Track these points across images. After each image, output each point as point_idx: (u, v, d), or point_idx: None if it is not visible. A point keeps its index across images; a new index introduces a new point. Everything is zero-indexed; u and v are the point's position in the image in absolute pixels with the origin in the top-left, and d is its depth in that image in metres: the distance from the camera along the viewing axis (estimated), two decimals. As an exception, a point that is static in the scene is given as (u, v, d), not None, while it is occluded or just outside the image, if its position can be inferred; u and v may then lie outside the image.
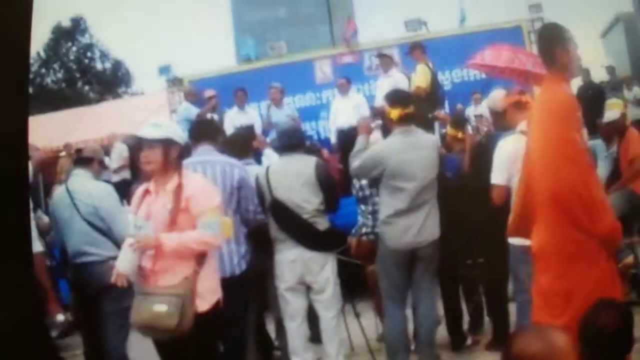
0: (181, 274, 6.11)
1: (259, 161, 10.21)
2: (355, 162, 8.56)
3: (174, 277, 6.11)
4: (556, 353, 3.43)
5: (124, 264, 6.35)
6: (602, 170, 10.62)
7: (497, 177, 8.11)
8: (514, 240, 8.00)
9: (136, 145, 6.61)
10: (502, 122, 9.08)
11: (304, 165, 8.50)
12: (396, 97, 8.86)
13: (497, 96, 9.40)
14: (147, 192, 6.41)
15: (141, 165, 6.46)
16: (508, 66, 14.11)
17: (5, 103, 3.49)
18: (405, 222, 8.28)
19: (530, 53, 16.85)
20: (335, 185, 8.85)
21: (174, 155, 6.29)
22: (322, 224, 8.44)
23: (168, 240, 6.08)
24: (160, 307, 5.98)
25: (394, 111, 8.50)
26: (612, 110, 10.18)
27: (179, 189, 6.20)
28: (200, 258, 6.25)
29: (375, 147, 8.72)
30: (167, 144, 6.24)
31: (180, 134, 6.44)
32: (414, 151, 8.33)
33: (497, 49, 14.77)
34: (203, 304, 6.17)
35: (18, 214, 3.73)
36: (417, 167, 8.29)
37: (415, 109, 8.80)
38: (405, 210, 8.28)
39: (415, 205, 8.28)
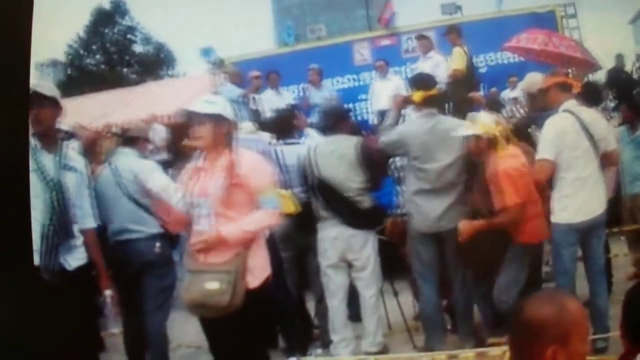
0: (232, 251, 6.02)
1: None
2: (383, 137, 8.63)
3: (225, 254, 6.01)
4: (568, 319, 3.29)
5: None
6: (627, 155, 10.50)
7: (545, 152, 7.97)
8: (559, 219, 8.00)
9: (184, 123, 6.57)
10: (537, 104, 9.05)
11: (347, 145, 8.51)
12: (419, 81, 8.96)
13: (533, 79, 9.34)
14: (200, 169, 6.35)
15: (191, 140, 6.41)
16: (544, 49, 14.07)
17: (5, 102, 3.46)
18: (428, 205, 8.30)
19: (563, 36, 16.79)
20: (377, 165, 8.76)
21: (223, 132, 6.20)
22: (366, 202, 8.50)
23: (230, 234, 6.00)
24: (212, 285, 5.90)
25: (417, 94, 8.54)
26: None
27: (231, 165, 6.11)
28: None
29: (398, 128, 8.72)
30: (217, 120, 6.17)
31: (230, 111, 6.38)
32: (435, 134, 8.28)
33: (533, 33, 14.70)
34: (254, 281, 6.07)
35: (18, 212, 3.69)
36: (438, 149, 8.25)
37: (445, 92, 8.79)
38: (428, 190, 8.29)
39: (438, 187, 8.27)
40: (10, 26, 3.44)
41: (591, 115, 8.29)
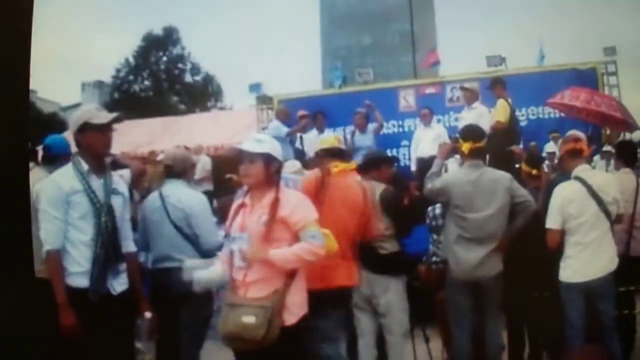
0: (272, 287, 6.06)
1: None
2: (428, 185, 8.67)
3: (264, 290, 6.06)
4: None
5: (208, 275, 6.51)
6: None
7: (551, 221, 8.25)
8: (561, 277, 8.24)
9: (231, 158, 6.66)
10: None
11: (371, 192, 8.38)
12: (469, 132, 9.00)
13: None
14: (242, 205, 6.43)
15: (240, 178, 6.49)
16: (585, 107, 14.07)
17: (5, 106, 3.52)
18: (466, 253, 8.34)
19: (605, 95, 16.76)
20: (403, 213, 8.79)
21: (272, 171, 6.28)
22: (388, 248, 8.46)
23: (276, 255, 6.05)
24: (249, 319, 5.93)
25: (466, 144, 8.62)
26: None
27: (275, 202, 6.18)
28: (292, 271, 6.21)
29: (444, 175, 8.89)
30: (267, 159, 6.25)
31: (279, 151, 6.48)
32: (479, 185, 8.35)
33: (576, 90, 14.70)
34: (290, 318, 6.10)
35: (18, 217, 3.77)
36: (480, 200, 8.32)
37: (489, 142, 8.84)
38: (467, 239, 8.34)
39: (477, 237, 8.32)
40: (10, 27, 3.50)
41: (602, 180, 8.48)
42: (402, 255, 8.77)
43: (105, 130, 6.84)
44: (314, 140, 16.58)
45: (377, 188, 8.59)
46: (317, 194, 7.30)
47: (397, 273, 8.62)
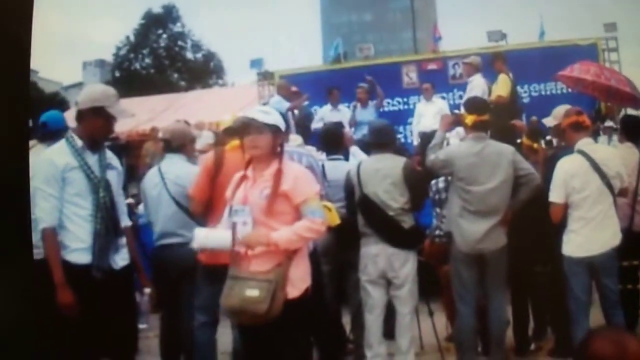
0: (274, 260, 5.97)
1: (346, 158, 10.11)
2: (430, 157, 8.57)
3: (267, 263, 5.97)
4: (628, 359, 3.34)
5: (216, 240, 6.36)
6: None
7: (554, 195, 8.16)
8: (563, 251, 8.14)
9: (236, 131, 6.57)
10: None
11: (393, 165, 8.48)
12: (473, 104, 8.95)
13: (558, 112, 9.25)
14: (244, 177, 6.35)
15: (246, 149, 6.39)
16: (595, 80, 13.92)
17: (5, 103, 3.47)
18: (470, 226, 8.28)
19: (613, 70, 16.64)
20: (421, 186, 8.79)
21: (278, 143, 6.21)
22: (407, 222, 8.43)
23: (279, 237, 5.96)
24: (252, 292, 5.84)
25: (470, 117, 8.53)
26: None
27: (278, 175, 6.09)
28: None
29: (448, 148, 8.89)
30: (275, 130, 6.17)
31: (283, 123, 6.38)
32: (483, 157, 8.28)
33: (587, 64, 14.57)
34: (293, 291, 6.02)
35: (18, 215, 3.70)
36: (484, 172, 8.24)
37: (491, 117, 8.79)
38: (471, 212, 8.28)
39: (481, 209, 8.25)
40: (10, 26, 3.45)
41: (605, 154, 8.42)
42: (419, 229, 8.85)
43: (114, 120, 6.85)
44: (328, 115, 16.62)
45: (398, 161, 8.61)
46: (214, 169, 7.63)
47: (415, 247, 8.65)
